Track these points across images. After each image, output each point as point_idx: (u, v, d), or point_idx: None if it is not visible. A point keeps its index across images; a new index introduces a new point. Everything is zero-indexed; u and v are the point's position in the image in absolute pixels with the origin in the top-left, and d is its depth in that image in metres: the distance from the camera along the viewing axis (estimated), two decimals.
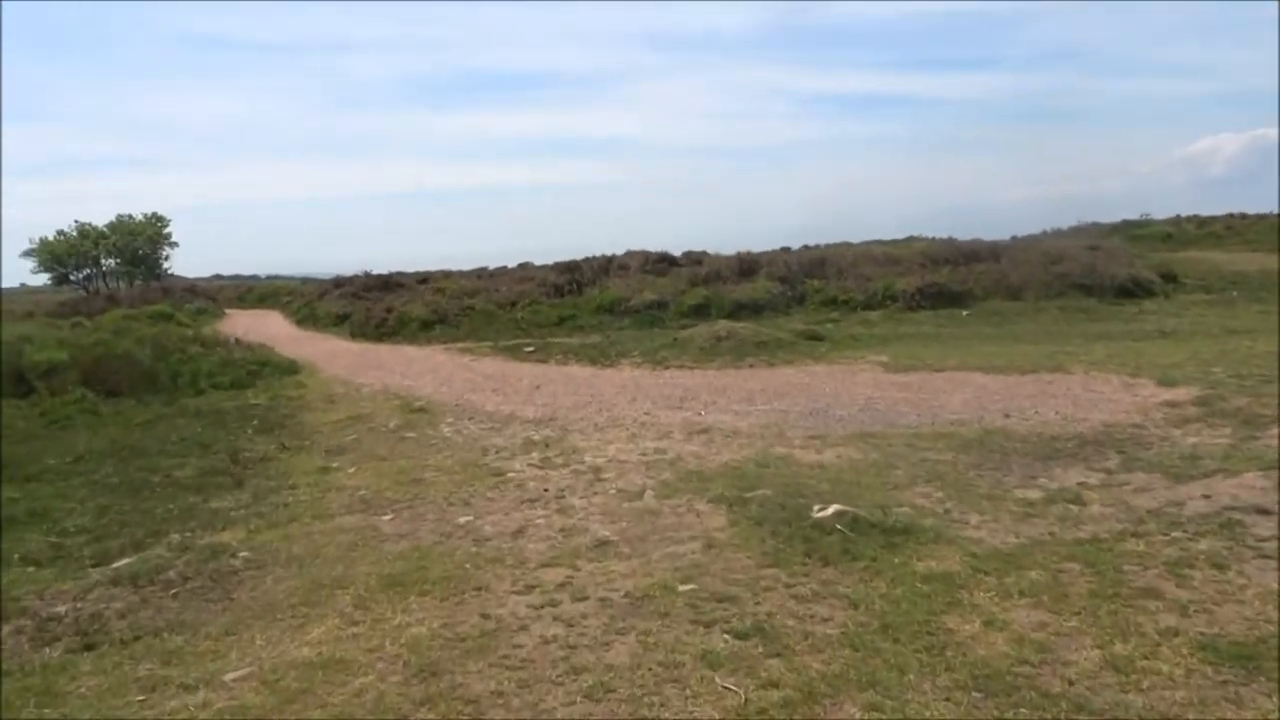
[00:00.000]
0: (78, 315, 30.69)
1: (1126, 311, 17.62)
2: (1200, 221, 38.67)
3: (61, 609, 4.97)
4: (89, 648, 4.46)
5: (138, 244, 56.07)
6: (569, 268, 24.72)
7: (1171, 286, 20.68)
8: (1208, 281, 21.50)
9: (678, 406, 10.71)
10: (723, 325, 16.06)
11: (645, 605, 4.52)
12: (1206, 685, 3.51)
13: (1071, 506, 5.79)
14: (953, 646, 3.86)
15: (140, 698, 3.88)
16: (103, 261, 56.03)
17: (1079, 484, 6.35)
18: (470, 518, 6.37)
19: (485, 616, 4.51)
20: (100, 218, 56.54)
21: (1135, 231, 35.45)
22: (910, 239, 32.88)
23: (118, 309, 29.54)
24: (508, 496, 6.92)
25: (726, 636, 4.09)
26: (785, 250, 29.39)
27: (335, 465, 8.61)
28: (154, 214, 57.49)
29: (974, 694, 3.49)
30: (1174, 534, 5.20)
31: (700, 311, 19.67)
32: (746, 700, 3.52)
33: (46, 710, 3.83)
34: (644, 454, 8.22)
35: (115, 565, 5.71)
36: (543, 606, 4.60)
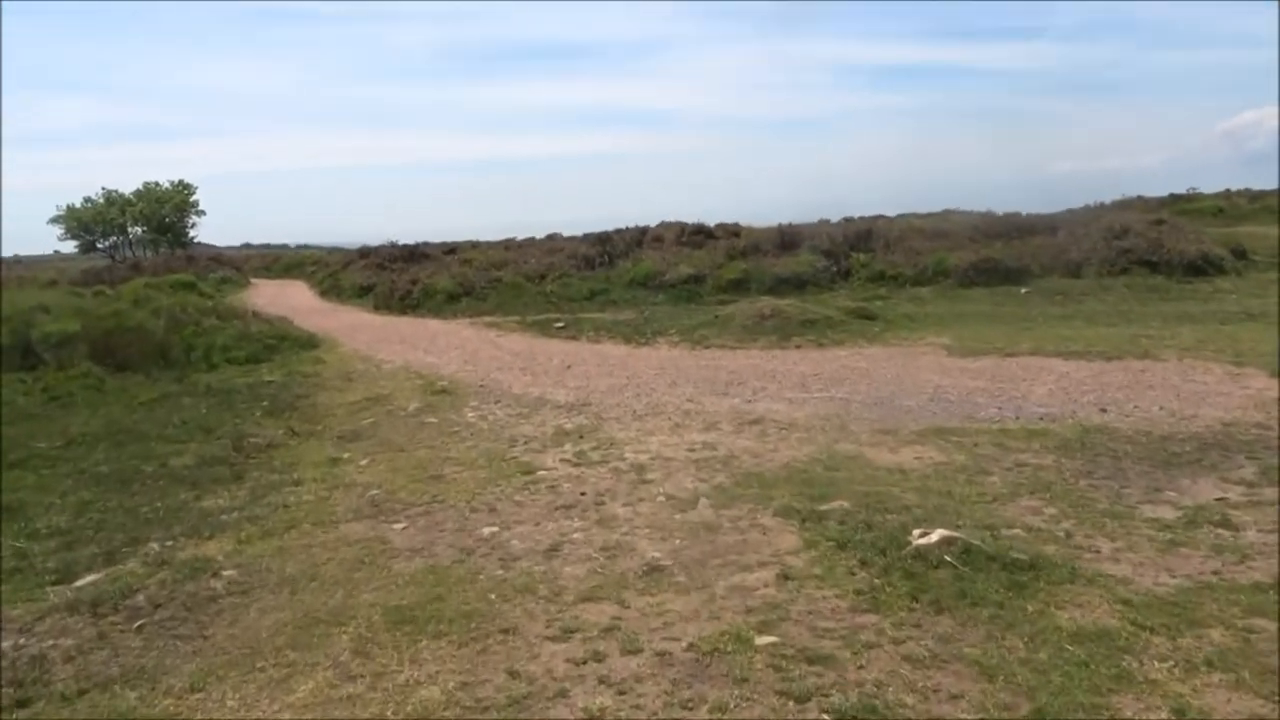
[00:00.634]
0: (100, 284, 30.13)
1: (1201, 290, 16.40)
2: (1252, 196, 37.02)
3: (3, 646, 4.10)
4: (21, 704, 3.58)
5: (164, 211, 55.60)
6: (600, 239, 23.72)
7: (1243, 264, 19.39)
8: (1277, 258, 20.17)
9: (723, 392, 9.74)
10: (766, 302, 15.03)
11: (715, 664, 3.56)
12: None
13: (1222, 532, 4.78)
14: None
15: None
16: (129, 229, 55.67)
17: (1218, 500, 5.32)
18: (495, 528, 5.44)
19: (514, 675, 3.57)
20: (131, 185, 56.12)
21: (1184, 206, 33.91)
22: (947, 212, 31.67)
23: (140, 277, 28.89)
24: (539, 501, 5.99)
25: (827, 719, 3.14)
26: (824, 223, 28.20)
27: (346, 455, 7.73)
28: (181, 181, 57.00)
29: None
30: None
31: (739, 286, 18.62)
32: None
33: None
34: (691, 449, 7.26)
35: (79, 583, 4.84)
36: (585, 662, 3.66)
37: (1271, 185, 36.59)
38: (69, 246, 56.86)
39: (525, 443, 7.87)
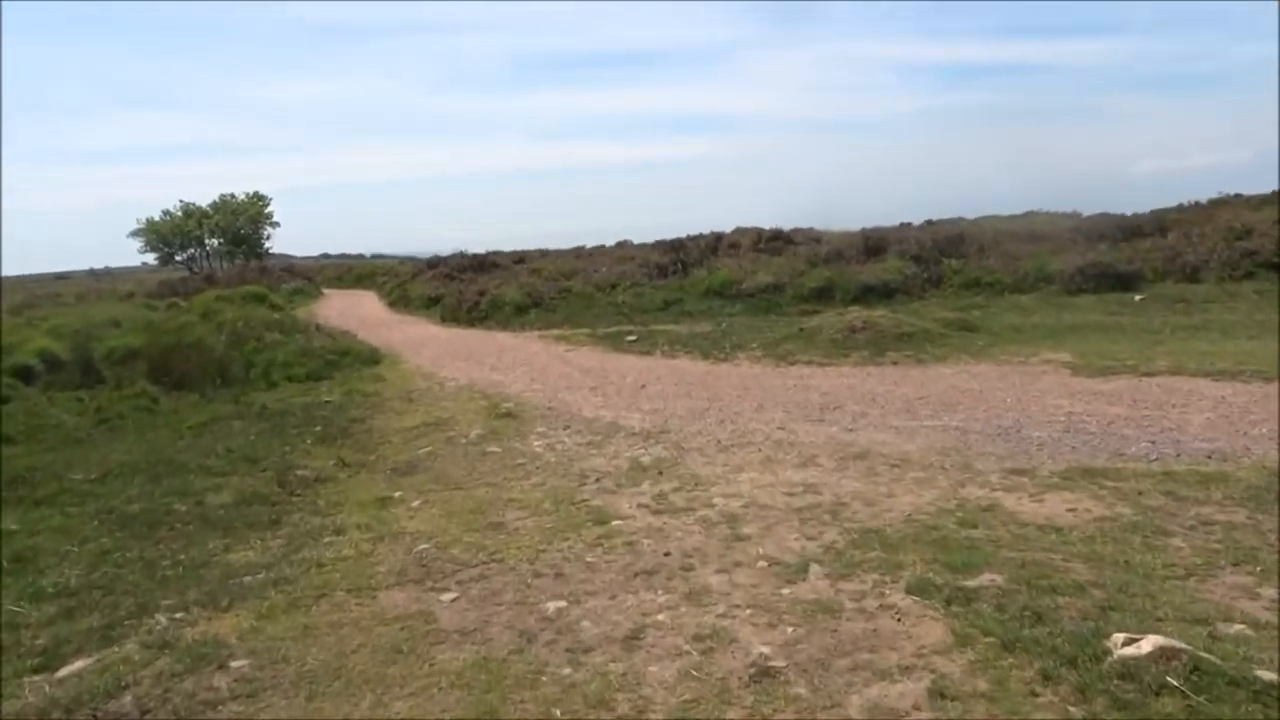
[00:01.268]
0: (174, 296, 30.16)
1: None
2: None
3: None
4: None
5: (240, 223, 56.31)
6: (673, 246, 22.78)
7: None
8: None
9: (818, 418, 8.66)
10: (855, 313, 13.87)
11: None
12: None
13: None
14: None
15: None
16: (206, 241, 56.45)
17: None
18: (563, 602, 4.48)
19: None
20: (208, 199, 56.98)
21: None
22: (1029, 214, 30.08)
23: (213, 289, 28.80)
24: (614, 563, 5.02)
25: None
26: (907, 226, 26.80)
27: (398, 494, 6.86)
28: (256, 193, 57.71)
29: None
30: None
31: (823, 295, 17.48)
32: None
33: None
34: (790, 492, 6.22)
35: (63, 672, 4.00)
36: None
37: None
38: (151, 259, 57.91)
39: (597, 480, 6.92)
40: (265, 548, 5.75)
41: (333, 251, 79.90)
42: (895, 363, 11.49)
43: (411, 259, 49.91)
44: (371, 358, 15.07)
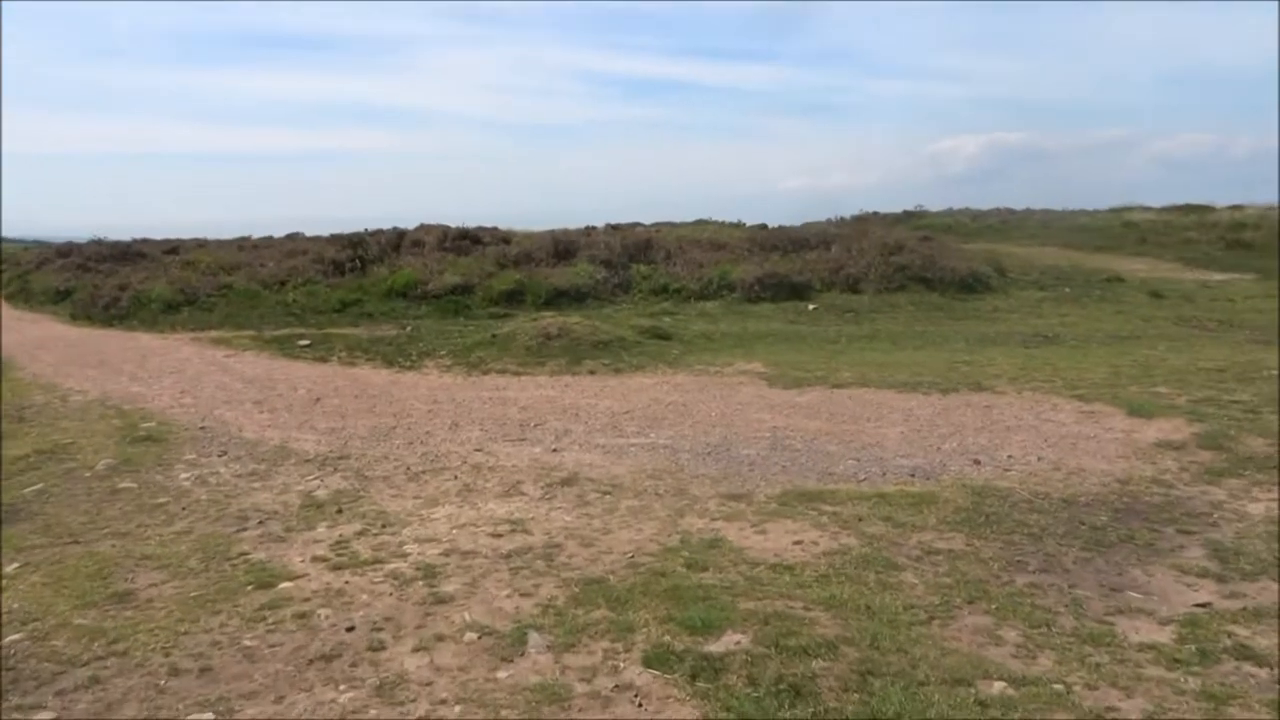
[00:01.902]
0: None
1: (980, 308, 16.38)
2: (974, 214, 39.80)
3: None
4: None
5: None
6: (351, 242, 21.06)
7: (1005, 280, 19.85)
8: (1031, 276, 20.88)
9: (519, 437, 7.94)
10: (550, 319, 13.32)
11: None
12: None
13: (1252, 669, 3.57)
14: None
15: None
16: None
17: (1201, 607, 4.16)
18: (209, 716, 3.39)
19: None
20: None
21: (915, 223, 35.75)
22: (700, 222, 31.73)
23: None
24: (282, 647, 3.96)
25: None
26: (592, 229, 26.89)
27: None
28: None
29: None
30: None
31: (514, 298, 16.82)
32: None
33: None
34: (495, 531, 5.44)
35: None
36: None
37: (976, 205, 40.02)
38: None
39: (261, 523, 5.75)
40: None
41: None
42: (593, 372, 11.03)
43: (40, 244, 43.46)
44: None
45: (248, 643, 3.99)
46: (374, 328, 15.04)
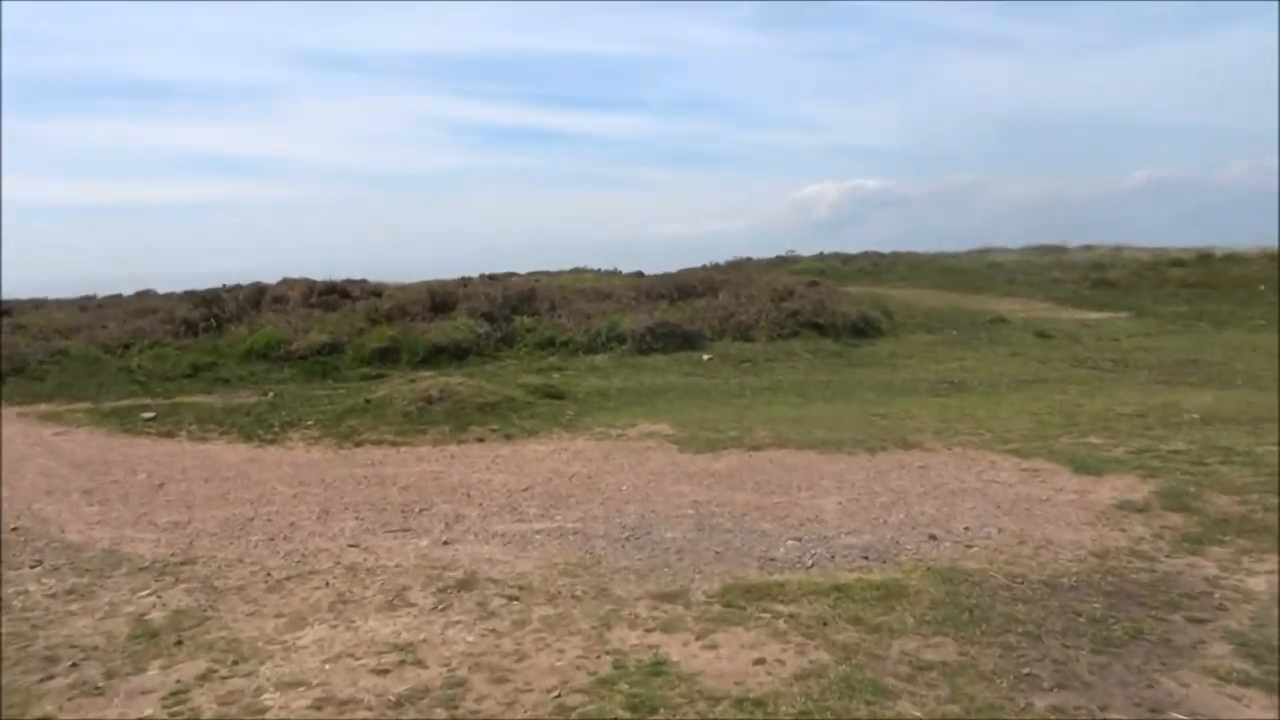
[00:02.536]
0: None
1: (876, 353, 16.01)
2: (845, 259, 40.43)
3: None
4: None
5: None
6: (206, 299, 19.39)
7: (892, 324, 19.70)
8: (917, 319, 20.85)
9: (402, 526, 6.82)
10: (430, 380, 12.16)
11: None
12: None
13: None
14: None
15: None
16: None
17: None
18: None
19: None
20: None
21: (790, 267, 36.00)
22: (577, 270, 31.29)
23: None
24: None
25: None
26: (468, 280, 25.79)
27: None
28: None
29: None
30: None
31: (388, 357, 15.53)
32: None
33: None
34: (379, 665, 4.35)
35: None
36: None
37: (843, 249, 40.71)
38: None
39: (74, 665, 4.51)
40: None
41: None
42: (482, 439, 9.94)
43: None
44: None
45: None
46: (230, 395, 13.51)
